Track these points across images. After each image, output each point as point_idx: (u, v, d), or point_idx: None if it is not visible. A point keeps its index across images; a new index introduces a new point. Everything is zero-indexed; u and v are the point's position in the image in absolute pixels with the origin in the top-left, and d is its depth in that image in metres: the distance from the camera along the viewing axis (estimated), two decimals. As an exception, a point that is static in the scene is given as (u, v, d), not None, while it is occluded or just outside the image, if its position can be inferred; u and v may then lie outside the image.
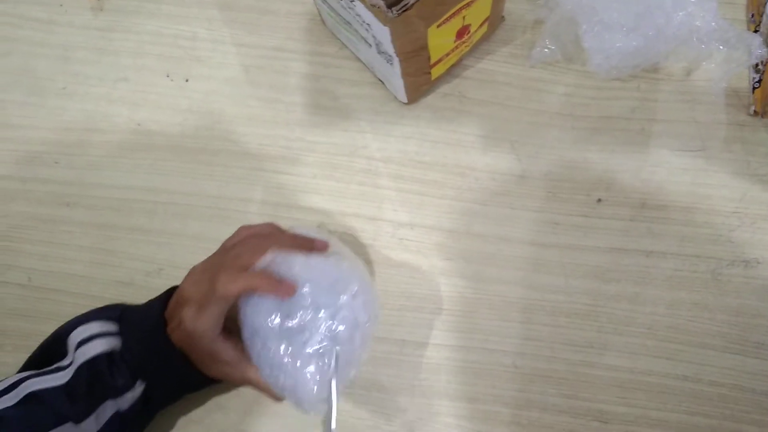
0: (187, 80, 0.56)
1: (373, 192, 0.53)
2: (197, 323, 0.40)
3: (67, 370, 0.41)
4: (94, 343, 0.42)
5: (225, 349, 0.42)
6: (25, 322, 0.51)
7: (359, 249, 0.51)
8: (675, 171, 0.51)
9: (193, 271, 0.44)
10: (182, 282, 0.44)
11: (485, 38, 0.53)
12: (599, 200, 0.51)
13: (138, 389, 0.42)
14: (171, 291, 0.45)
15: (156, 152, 0.54)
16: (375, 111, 0.54)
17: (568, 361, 0.48)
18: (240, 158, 0.54)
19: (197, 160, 0.54)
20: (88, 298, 0.51)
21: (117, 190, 0.54)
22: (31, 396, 0.39)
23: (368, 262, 0.51)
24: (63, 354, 0.42)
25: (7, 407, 0.38)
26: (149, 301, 0.45)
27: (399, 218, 0.52)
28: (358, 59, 0.54)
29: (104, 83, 0.56)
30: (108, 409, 0.41)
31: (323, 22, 0.55)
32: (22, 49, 0.58)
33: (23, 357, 0.43)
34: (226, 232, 0.52)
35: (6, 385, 0.39)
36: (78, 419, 0.39)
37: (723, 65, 0.51)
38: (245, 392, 0.48)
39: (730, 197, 0.50)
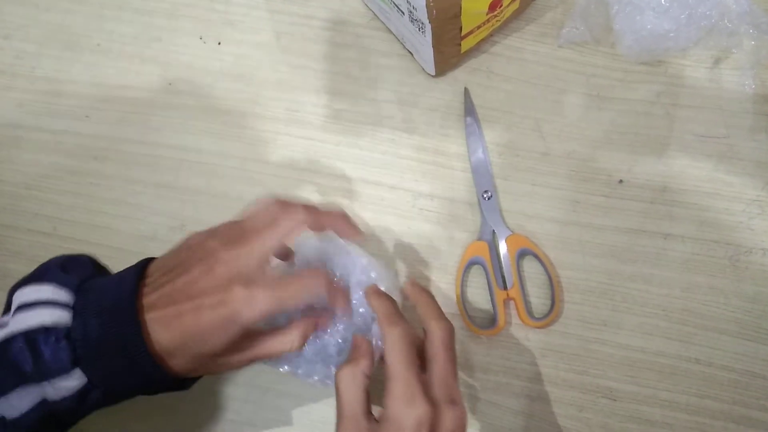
0: (219, 43, 0.57)
1: (396, 161, 0.53)
2: (264, 304, 0.36)
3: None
4: (37, 311, 0.35)
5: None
6: (49, 269, 0.52)
7: (379, 217, 0.52)
8: (698, 156, 0.51)
9: (212, 237, 0.37)
10: (198, 250, 0.37)
11: (516, 15, 0.53)
12: (621, 181, 0.51)
13: (74, 381, 0.34)
14: (146, 262, 0.38)
15: (186, 111, 0.55)
16: (402, 82, 0.55)
17: (580, 338, 0.49)
18: (267, 122, 0.55)
19: (225, 121, 0.55)
20: (111, 249, 0.52)
21: (145, 146, 0.55)
22: None
23: (386, 230, 0.52)
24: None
25: None
26: (120, 272, 0.38)
27: (420, 188, 0.52)
28: (389, 30, 0.55)
29: (138, 42, 0.57)
30: (32, 394, 0.34)
31: (356, -8, 0.56)
32: (61, 6, 0.59)
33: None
34: (249, 192, 0.53)
35: None
36: None
37: (752, 54, 0.51)
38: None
39: (752, 185, 0.50)
